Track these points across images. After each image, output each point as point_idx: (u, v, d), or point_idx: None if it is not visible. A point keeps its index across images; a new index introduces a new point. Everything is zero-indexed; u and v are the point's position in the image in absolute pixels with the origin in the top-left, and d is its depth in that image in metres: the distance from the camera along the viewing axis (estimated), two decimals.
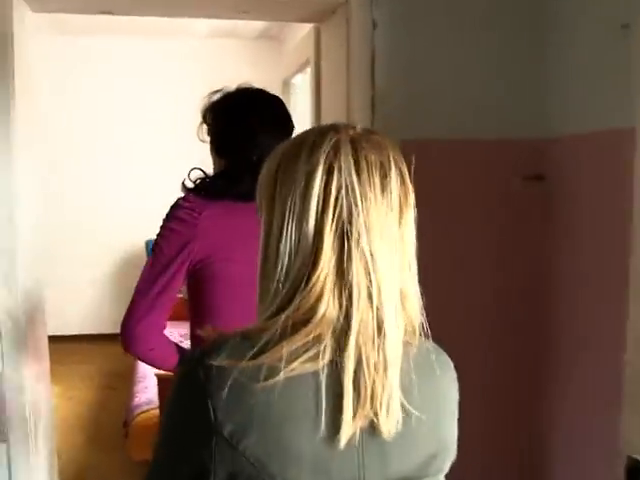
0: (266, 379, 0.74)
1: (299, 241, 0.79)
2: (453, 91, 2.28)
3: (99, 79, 5.46)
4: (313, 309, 0.78)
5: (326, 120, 2.48)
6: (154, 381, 3.18)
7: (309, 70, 2.84)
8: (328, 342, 0.77)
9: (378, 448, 0.80)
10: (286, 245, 0.80)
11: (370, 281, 0.78)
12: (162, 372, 3.37)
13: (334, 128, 0.83)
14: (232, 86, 1.67)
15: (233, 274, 1.56)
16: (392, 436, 0.80)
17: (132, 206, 5.54)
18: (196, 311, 1.64)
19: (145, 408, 3.35)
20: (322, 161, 0.79)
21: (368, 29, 2.20)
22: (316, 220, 0.79)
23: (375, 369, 0.77)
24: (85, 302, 5.64)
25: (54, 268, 5.39)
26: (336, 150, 0.80)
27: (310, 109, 2.76)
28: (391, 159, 0.81)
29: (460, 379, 0.92)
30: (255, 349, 0.76)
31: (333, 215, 0.78)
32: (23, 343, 2.14)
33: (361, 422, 0.78)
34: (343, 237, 0.78)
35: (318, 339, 0.77)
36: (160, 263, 1.55)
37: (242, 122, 1.61)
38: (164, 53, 5.52)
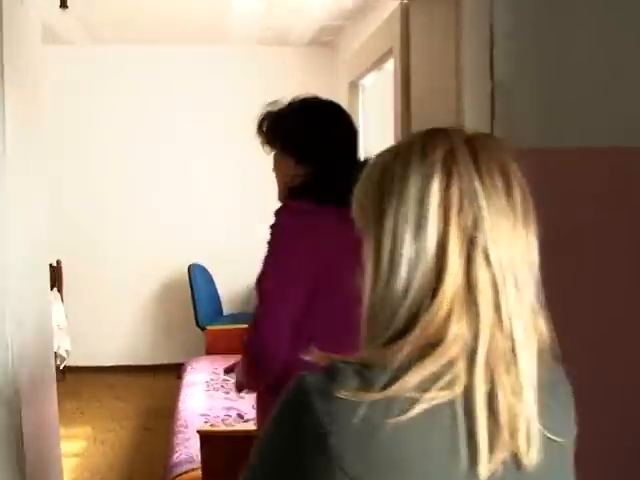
0: (401, 413, 0.66)
1: (418, 255, 0.72)
2: (598, 84, 1.70)
3: (139, 90, 5.06)
4: (443, 329, 0.70)
5: (419, 125, 1.94)
6: (197, 435, 2.70)
7: (392, 62, 2.29)
8: (462, 365, 0.69)
9: None
10: (402, 260, 0.72)
11: (498, 296, 0.70)
12: (205, 429, 2.88)
13: (443, 131, 0.77)
14: (288, 97, 1.67)
15: (345, 288, 1.34)
16: (535, 467, 0.70)
17: (173, 228, 5.08)
18: (297, 333, 1.49)
19: (185, 468, 2.82)
20: (439, 166, 0.72)
21: (485, 2, 1.66)
22: (438, 230, 0.71)
23: (512, 393, 0.69)
24: (122, 331, 5.21)
25: (90, 294, 5.05)
26: (452, 154, 0.73)
27: (393, 111, 2.21)
28: (511, 164, 0.74)
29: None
30: (384, 378, 0.68)
31: (458, 224, 0.71)
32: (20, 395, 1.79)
33: (502, 454, 0.68)
34: (469, 248, 0.71)
35: (452, 363, 0.69)
36: (288, 281, 1.48)
37: (331, 129, 1.64)
38: (210, 61, 5.15)
